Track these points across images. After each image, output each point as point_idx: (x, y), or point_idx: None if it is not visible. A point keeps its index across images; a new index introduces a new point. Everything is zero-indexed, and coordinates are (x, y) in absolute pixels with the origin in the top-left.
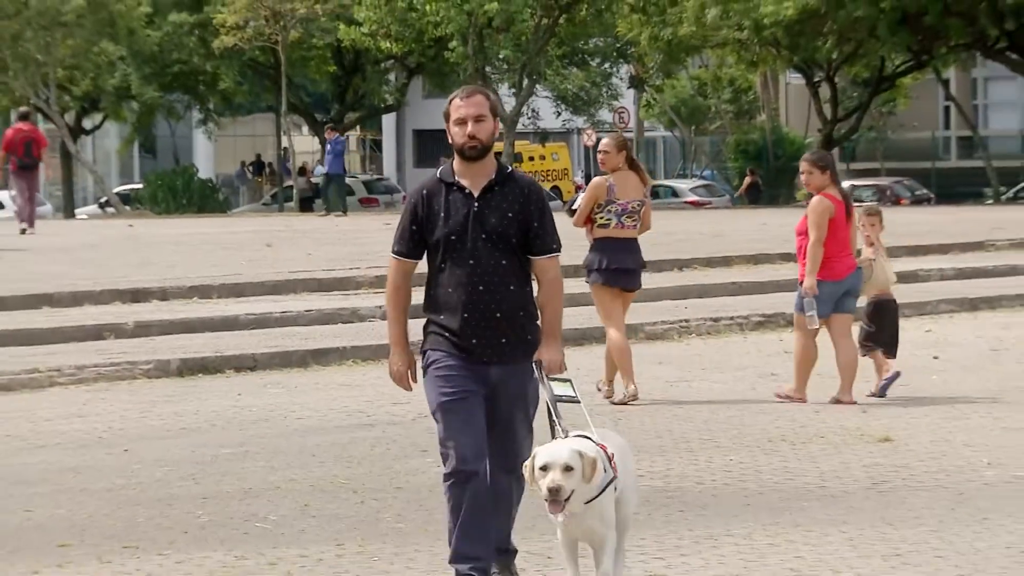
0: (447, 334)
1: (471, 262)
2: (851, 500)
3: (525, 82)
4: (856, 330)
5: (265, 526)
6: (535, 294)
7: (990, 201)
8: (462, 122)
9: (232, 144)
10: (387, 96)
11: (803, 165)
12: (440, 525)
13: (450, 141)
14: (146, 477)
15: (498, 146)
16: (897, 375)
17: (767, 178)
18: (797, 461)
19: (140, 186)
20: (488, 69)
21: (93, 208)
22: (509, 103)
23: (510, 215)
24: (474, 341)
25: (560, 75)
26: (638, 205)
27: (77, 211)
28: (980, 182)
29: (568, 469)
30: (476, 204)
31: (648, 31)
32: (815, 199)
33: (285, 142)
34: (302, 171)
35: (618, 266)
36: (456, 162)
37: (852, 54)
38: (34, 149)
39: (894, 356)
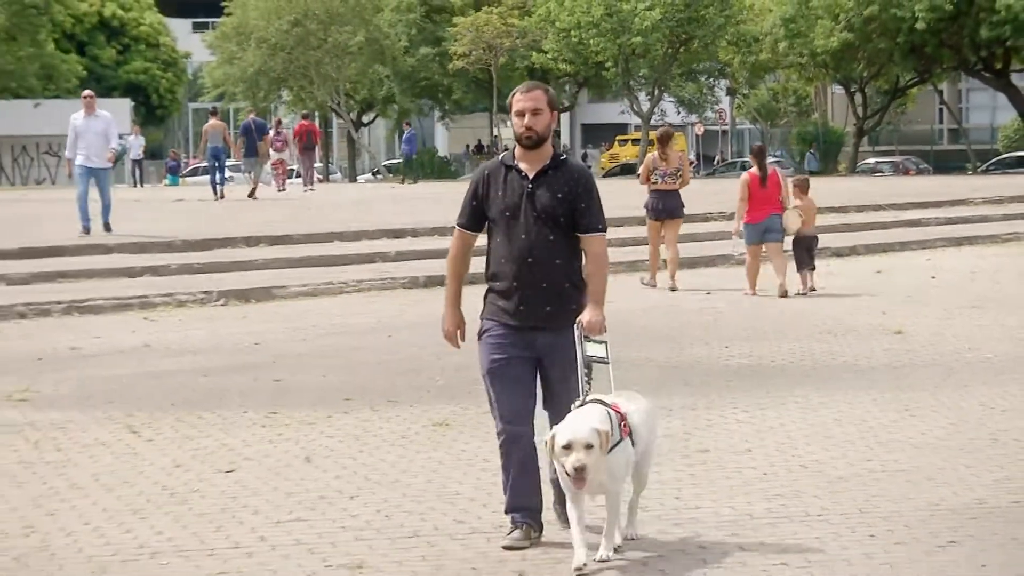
0: (500, 301)
1: (523, 237)
2: (874, 374)
3: (656, 92)
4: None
5: (482, 388)
6: (583, 267)
7: (970, 173)
8: (521, 114)
9: (460, 133)
10: (564, 101)
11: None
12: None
13: (512, 131)
14: (404, 354)
15: (636, 134)
16: (813, 290)
17: (818, 156)
18: (838, 346)
19: (400, 161)
20: (631, 83)
21: (369, 176)
22: (645, 105)
23: (559, 196)
24: (522, 308)
25: (680, 86)
26: (675, 171)
27: (358, 178)
28: (963, 160)
29: (589, 447)
30: (530, 185)
31: (739, 57)
32: (743, 174)
33: (495, 132)
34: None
35: (662, 207)
36: (517, 149)
37: (876, 73)
38: (313, 137)
39: (810, 268)
